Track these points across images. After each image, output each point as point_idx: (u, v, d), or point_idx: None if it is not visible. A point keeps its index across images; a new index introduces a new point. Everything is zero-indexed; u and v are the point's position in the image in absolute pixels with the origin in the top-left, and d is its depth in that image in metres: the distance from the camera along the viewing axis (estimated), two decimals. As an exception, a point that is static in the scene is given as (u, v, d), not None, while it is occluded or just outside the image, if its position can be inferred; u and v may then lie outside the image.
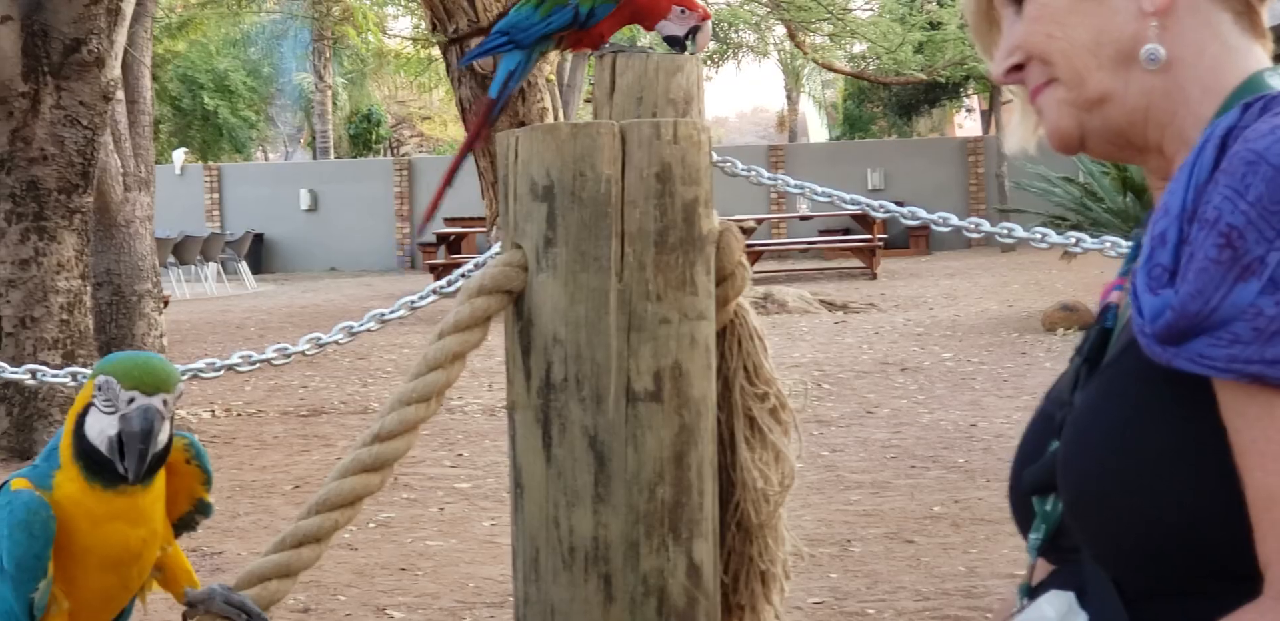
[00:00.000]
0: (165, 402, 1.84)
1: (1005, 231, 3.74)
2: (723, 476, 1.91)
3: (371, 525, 6.66)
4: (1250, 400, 1.08)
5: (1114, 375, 1.22)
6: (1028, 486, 1.31)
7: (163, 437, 1.84)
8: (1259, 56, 1.31)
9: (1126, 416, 1.18)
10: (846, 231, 26.24)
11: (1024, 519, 1.35)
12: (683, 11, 3.25)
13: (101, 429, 1.83)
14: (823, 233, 27.16)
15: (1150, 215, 1.41)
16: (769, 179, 3.87)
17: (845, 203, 3.87)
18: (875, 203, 3.88)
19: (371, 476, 1.79)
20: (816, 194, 3.85)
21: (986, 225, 3.71)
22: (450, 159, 4.11)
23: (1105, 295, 1.37)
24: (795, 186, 3.92)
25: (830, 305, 17.62)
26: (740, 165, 3.90)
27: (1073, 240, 3.68)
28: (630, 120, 1.76)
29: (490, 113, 3.63)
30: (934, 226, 3.77)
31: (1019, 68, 1.38)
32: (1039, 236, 3.71)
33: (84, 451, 1.85)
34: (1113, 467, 1.17)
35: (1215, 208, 1.09)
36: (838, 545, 6.10)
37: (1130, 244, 1.45)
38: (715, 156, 3.56)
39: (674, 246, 1.81)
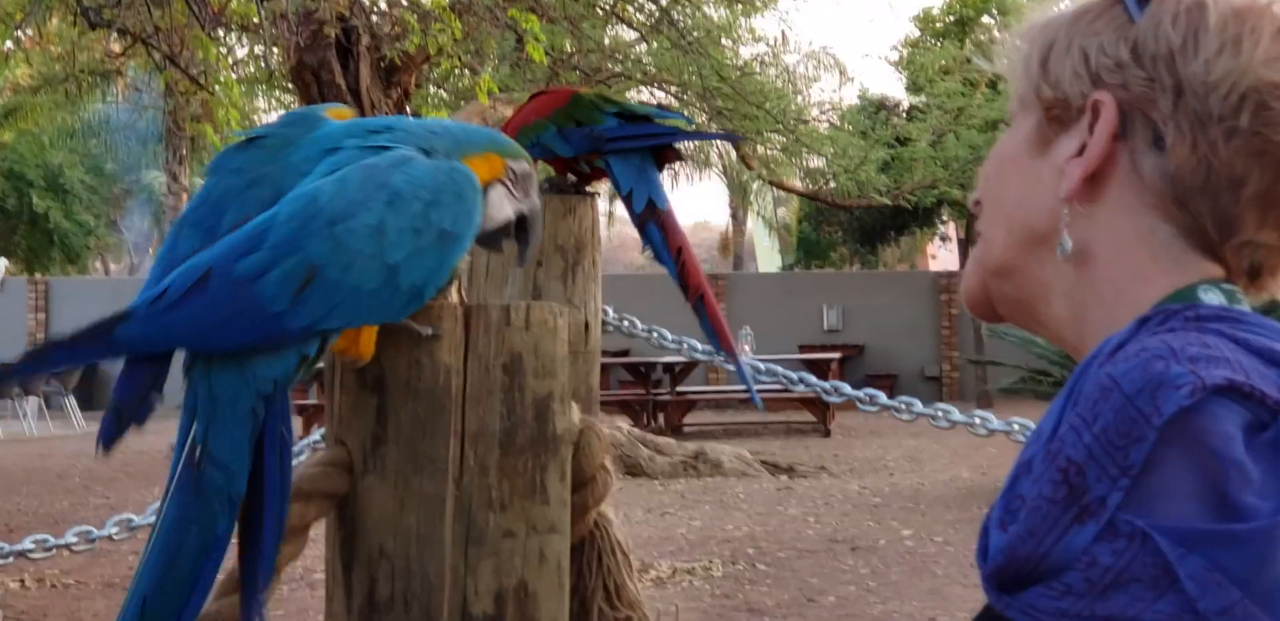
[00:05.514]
0: None
1: (940, 413, 3.81)
2: (578, 715, 1.96)
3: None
4: None
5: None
6: None
7: None
8: (1203, 272, 1.30)
9: None
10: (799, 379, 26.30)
11: None
12: None
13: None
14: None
15: None
16: (644, 331, 3.91)
17: (762, 375, 3.94)
18: (794, 375, 3.95)
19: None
20: (716, 359, 3.91)
21: (919, 406, 3.78)
22: None
23: None
24: (673, 341, 3.98)
25: (773, 467, 17.65)
26: (611, 313, 3.87)
27: (1016, 427, 3.73)
28: (475, 302, 1.81)
29: None
30: (859, 405, 3.85)
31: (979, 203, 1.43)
32: (978, 421, 3.78)
33: None
34: None
35: (1060, 438, 1.12)
36: None
37: None
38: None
39: (522, 448, 1.86)
